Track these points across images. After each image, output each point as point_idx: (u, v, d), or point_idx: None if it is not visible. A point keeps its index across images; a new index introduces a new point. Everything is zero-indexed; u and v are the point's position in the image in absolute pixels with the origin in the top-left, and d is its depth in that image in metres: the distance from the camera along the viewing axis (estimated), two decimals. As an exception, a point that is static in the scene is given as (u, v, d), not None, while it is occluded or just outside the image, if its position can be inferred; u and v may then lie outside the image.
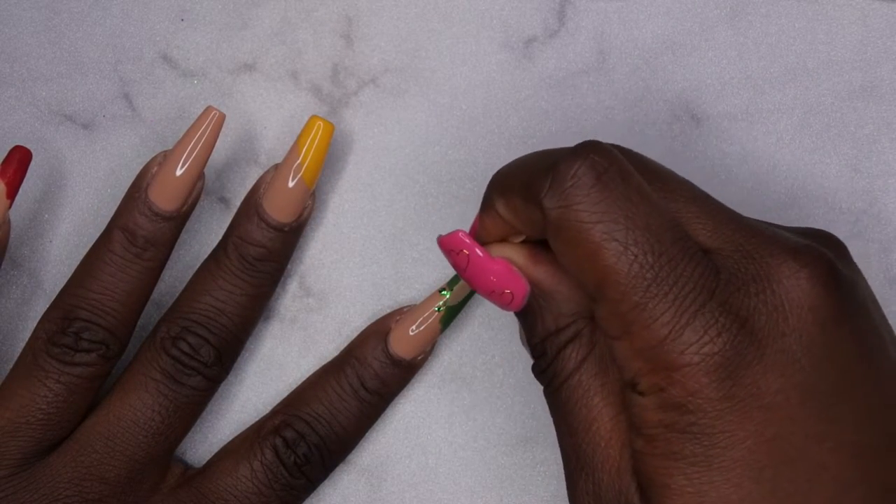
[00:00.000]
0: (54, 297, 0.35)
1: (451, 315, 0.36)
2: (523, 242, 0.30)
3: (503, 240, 0.30)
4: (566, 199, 0.26)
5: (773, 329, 0.25)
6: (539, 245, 0.29)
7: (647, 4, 0.39)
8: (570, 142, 0.38)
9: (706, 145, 0.38)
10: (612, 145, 0.28)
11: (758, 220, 0.28)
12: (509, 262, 0.29)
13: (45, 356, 0.34)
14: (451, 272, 0.37)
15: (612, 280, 0.26)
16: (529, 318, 0.29)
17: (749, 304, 0.26)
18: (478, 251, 0.29)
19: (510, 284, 0.29)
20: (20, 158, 0.34)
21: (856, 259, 0.38)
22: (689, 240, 0.26)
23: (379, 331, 0.36)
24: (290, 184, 0.35)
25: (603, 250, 0.26)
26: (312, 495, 0.37)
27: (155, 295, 0.37)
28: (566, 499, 0.37)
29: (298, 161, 0.35)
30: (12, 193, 0.34)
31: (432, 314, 0.36)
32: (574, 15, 0.39)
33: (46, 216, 0.38)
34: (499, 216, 0.29)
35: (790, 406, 0.25)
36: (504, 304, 0.29)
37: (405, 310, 0.36)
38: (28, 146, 0.36)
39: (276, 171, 0.35)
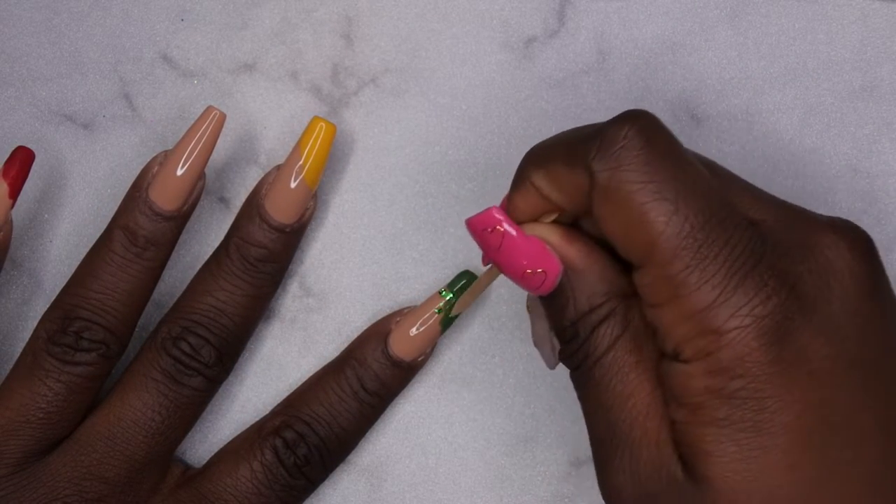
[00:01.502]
0: (54, 297, 0.35)
1: (451, 317, 0.36)
2: (554, 223, 0.29)
3: (534, 219, 0.29)
4: (616, 160, 0.26)
5: (820, 295, 0.26)
6: (570, 226, 0.29)
7: (647, 4, 0.39)
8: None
9: (706, 145, 0.38)
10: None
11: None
12: (542, 240, 0.28)
13: (46, 355, 0.34)
14: (451, 273, 0.37)
15: (662, 241, 0.26)
16: (559, 300, 0.29)
17: (796, 269, 0.26)
18: (512, 229, 0.28)
19: (544, 263, 0.28)
20: (23, 159, 0.34)
21: (856, 259, 0.38)
22: (735, 207, 0.26)
23: (379, 332, 0.36)
24: (292, 185, 0.35)
25: (654, 211, 0.26)
26: (312, 495, 0.37)
27: (156, 295, 0.37)
28: (566, 499, 0.37)
29: (300, 162, 0.35)
30: (15, 194, 0.34)
31: (432, 315, 0.36)
32: (574, 15, 0.39)
33: (46, 216, 0.38)
34: (534, 191, 0.28)
35: (836, 372, 0.25)
36: (535, 285, 0.29)
37: (405, 311, 0.36)
38: (28, 146, 0.36)
39: (277, 172, 0.35)
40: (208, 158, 0.34)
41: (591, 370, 0.28)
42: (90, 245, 0.35)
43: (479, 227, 0.29)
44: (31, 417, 0.34)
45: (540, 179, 0.28)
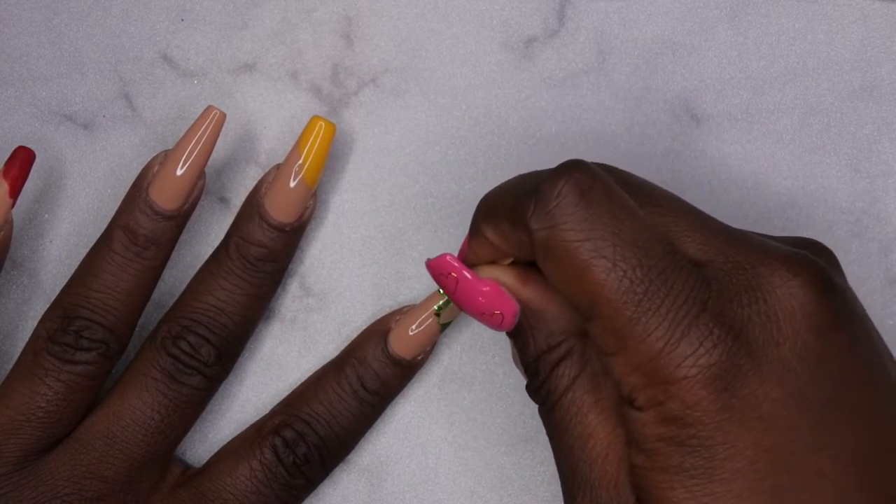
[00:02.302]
0: (54, 296, 0.35)
1: (450, 316, 0.36)
2: (511, 263, 0.30)
3: (492, 262, 0.30)
4: (551, 219, 0.26)
5: (768, 338, 0.25)
6: (527, 265, 0.29)
7: (647, 4, 0.39)
8: (570, 142, 0.38)
9: (706, 145, 0.38)
10: (595, 164, 0.28)
11: (747, 231, 0.28)
12: (498, 283, 0.29)
13: (46, 354, 0.34)
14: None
15: (602, 297, 0.26)
16: (520, 337, 0.29)
17: (742, 314, 0.25)
18: (466, 274, 0.29)
19: (500, 305, 0.29)
20: (23, 159, 0.35)
21: (856, 259, 0.38)
22: (678, 253, 0.26)
23: (379, 331, 0.36)
24: (292, 184, 0.35)
25: (592, 268, 0.26)
26: (312, 495, 0.37)
27: (156, 295, 0.37)
28: (566, 499, 0.37)
29: (300, 161, 0.35)
30: (15, 193, 0.35)
31: (432, 314, 0.36)
32: (574, 15, 0.39)
33: (46, 216, 0.38)
34: (487, 241, 0.29)
35: (788, 415, 0.25)
36: (494, 325, 0.29)
37: (405, 310, 0.36)
38: (28, 146, 0.37)
39: (277, 172, 0.35)
40: (208, 158, 0.35)
41: (553, 409, 0.29)
42: (90, 245, 0.35)
43: (435, 272, 0.30)
44: (31, 416, 0.34)
45: (489, 233, 0.29)
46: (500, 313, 0.29)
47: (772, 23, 0.39)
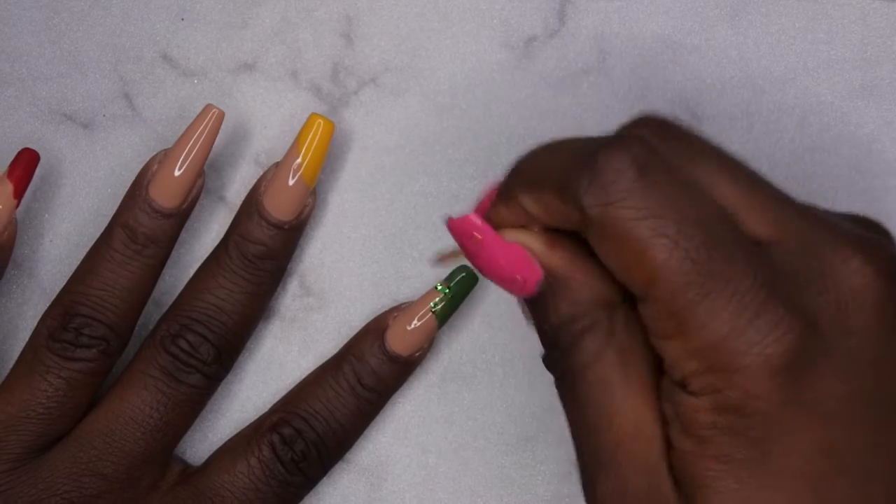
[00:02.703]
0: (54, 296, 0.35)
1: (447, 311, 0.36)
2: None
3: (520, 226, 0.28)
4: (609, 195, 0.24)
5: (839, 330, 0.24)
6: (555, 230, 0.27)
7: (647, 4, 0.39)
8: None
9: (706, 145, 0.38)
10: (659, 120, 0.26)
11: (814, 207, 0.26)
12: (524, 247, 0.27)
13: (46, 351, 0.34)
14: (450, 269, 0.37)
15: (663, 279, 0.24)
16: (542, 304, 0.27)
17: (814, 302, 0.24)
18: (491, 236, 0.27)
19: (523, 271, 0.27)
20: (28, 160, 0.35)
21: (856, 259, 0.38)
22: (743, 232, 0.25)
23: (376, 328, 0.36)
24: (291, 182, 0.35)
25: (652, 248, 0.24)
26: (312, 495, 0.37)
27: (156, 294, 0.37)
28: (567, 499, 0.37)
29: (298, 159, 0.35)
30: (19, 194, 0.35)
31: (429, 311, 0.36)
32: (574, 15, 0.39)
33: (46, 216, 0.38)
34: (521, 208, 0.27)
35: (851, 413, 0.24)
36: (515, 290, 0.28)
37: (402, 307, 0.36)
38: (28, 146, 0.37)
39: (276, 170, 0.35)
40: (207, 156, 0.35)
41: (574, 384, 0.27)
42: (90, 244, 0.36)
43: (457, 232, 0.28)
44: (31, 413, 0.34)
45: (528, 202, 0.27)
46: (523, 279, 0.27)
47: (772, 23, 0.39)
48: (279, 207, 0.35)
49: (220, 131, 0.35)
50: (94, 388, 0.35)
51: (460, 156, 0.38)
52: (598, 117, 0.38)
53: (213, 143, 0.35)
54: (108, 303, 0.34)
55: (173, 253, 0.37)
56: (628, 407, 0.26)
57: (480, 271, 0.28)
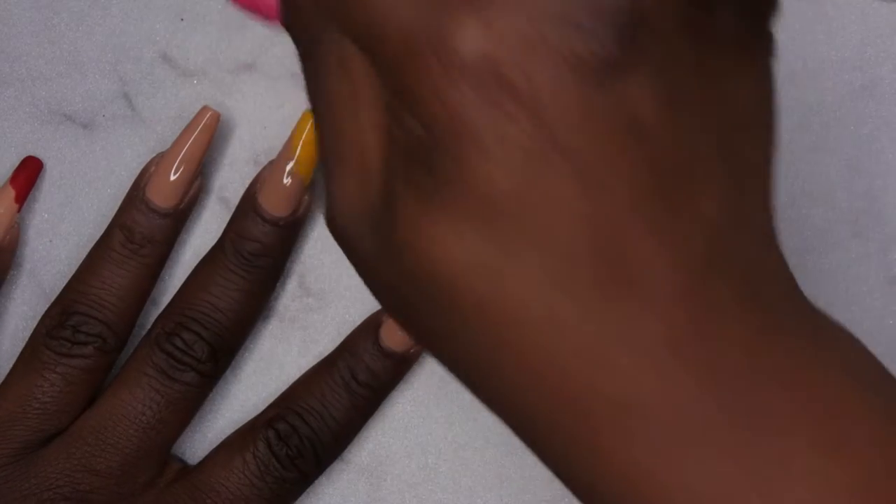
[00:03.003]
0: (54, 296, 0.36)
1: None
2: None
3: None
4: None
5: (523, 56, 0.18)
6: None
7: (647, 4, 0.39)
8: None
9: (706, 145, 0.38)
10: None
11: None
12: None
13: (44, 348, 0.34)
14: None
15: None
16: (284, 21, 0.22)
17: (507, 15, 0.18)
18: None
19: None
20: (31, 168, 0.37)
21: (856, 259, 0.38)
22: None
23: (371, 324, 0.36)
24: (286, 178, 0.35)
25: None
26: (311, 495, 0.37)
27: (156, 295, 0.37)
28: (566, 499, 0.37)
29: (293, 156, 0.35)
30: (21, 199, 0.36)
31: None
32: (574, 15, 0.39)
33: (46, 216, 0.38)
34: None
35: (531, 159, 0.18)
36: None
37: None
38: (28, 146, 0.37)
39: (271, 166, 0.36)
40: (203, 157, 0.35)
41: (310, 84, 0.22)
42: (90, 245, 0.36)
43: None
44: (28, 409, 0.34)
45: None
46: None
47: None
48: (274, 204, 0.35)
49: (220, 131, 0.35)
50: (91, 386, 0.35)
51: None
52: (598, 117, 0.38)
53: (209, 144, 0.35)
54: (106, 301, 0.35)
55: (173, 253, 0.37)
56: (352, 135, 0.21)
57: None
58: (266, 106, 0.39)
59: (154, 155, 0.36)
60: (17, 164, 0.37)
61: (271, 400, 0.37)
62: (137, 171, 0.36)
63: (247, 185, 0.38)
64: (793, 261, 0.38)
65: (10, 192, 0.36)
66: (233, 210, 0.38)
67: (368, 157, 0.21)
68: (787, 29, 0.38)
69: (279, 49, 0.39)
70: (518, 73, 0.18)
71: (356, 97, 0.20)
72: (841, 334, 0.22)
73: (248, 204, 0.36)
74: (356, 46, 0.20)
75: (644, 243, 0.19)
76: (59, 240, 0.38)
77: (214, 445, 0.37)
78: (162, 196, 0.35)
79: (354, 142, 0.21)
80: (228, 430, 0.37)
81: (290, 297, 0.38)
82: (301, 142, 0.35)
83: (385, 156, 0.20)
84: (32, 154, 0.38)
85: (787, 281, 0.21)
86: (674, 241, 0.19)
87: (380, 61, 0.19)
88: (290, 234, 0.36)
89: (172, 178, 0.35)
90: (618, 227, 0.19)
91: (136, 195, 0.35)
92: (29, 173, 0.37)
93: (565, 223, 0.19)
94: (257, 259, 0.35)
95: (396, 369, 0.36)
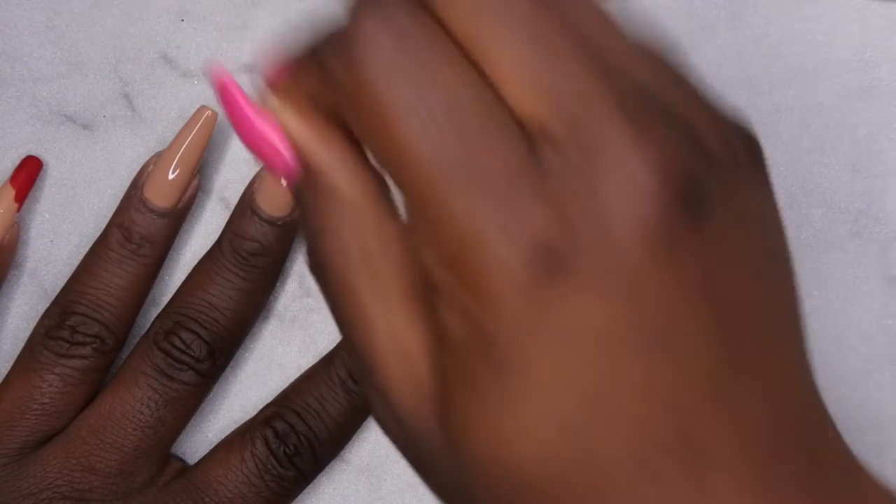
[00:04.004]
0: (54, 296, 0.36)
1: None
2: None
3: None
4: (355, 65, 0.21)
5: (602, 239, 0.19)
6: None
7: (647, 4, 0.39)
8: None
9: (706, 145, 0.38)
10: None
11: (654, 84, 0.21)
12: (280, 121, 0.23)
13: (42, 349, 0.35)
14: None
15: (411, 164, 0.20)
16: (295, 191, 0.24)
17: (576, 200, 0.19)
18: (241, 100, 0.23)
19: (273, 149, 0.23)
20: (30, 167, 0.37)
21: (855, 259, 0.38)
22: (505, 116, 0.20)
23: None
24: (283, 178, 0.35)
25: (401, 129, 0.20)
26: (311, 494, 0.37)
27: (155, 295, 0.37)
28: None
29: None
30: (21, 199, 0.36)
31: None
32: (574, 15, 0.39)
33: (47, 216, 0.38)
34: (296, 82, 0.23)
35: (606, 344, 0.20)
36: (269, 167, 0.24)
37: None
38: (28, 146, 0.37)
39: (269, 166, 0.36)
40: (201, 156, 0.35)
41: (327, 293, 0.23)
42: (90, 245, 0.36)
43: (216, 86, 0.24)
44: (26, 409, 0.34)
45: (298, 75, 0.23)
46: (272, 157, 0.23)
47: (772, 23, 0.39)
48: (272, 204, 0.35)
49: (220, 132, 0.35)
50: (90, 386, 0.35)
51: (460, 156, 0.38)
52: (598, 118, 0.38)
53: (206, 144, 0.35)
54: (104, 301, 0.35)
55: (172, 253, 0.37)
56: (386, 334, 0.22)
57: (238, 136, 0.24)
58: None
59: (154, 154, 0.36)
60: (17, 164, 0.37)
61: (271, 400, 0.37)
62: (137, 172, 0.36)
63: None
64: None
65: (10, 192, 0.36)
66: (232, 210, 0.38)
67: (412, 357, 0.22)
68: (787, 29, 0.38)
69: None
70: (586, 261, 0.19)
71: (385, 295, 0.22)
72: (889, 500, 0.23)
73: (246, 204, 0.36)
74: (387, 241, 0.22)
75: (718, 422, 0.20)
76: (60, 240, 0.38)
77: (214, 445, 0.37)
78: (160, 196, 0.35)
79: (391, 343, 0.22)
80: (228, 430, 0.37)
81: (290, 298, 0.38)
82: None
83: (432, 352, 0.22)
84: (33, 154, 0.38)
85: (841, 444, 0.23)
86: (745, 419, 0.20)
87: (431, 257, 0.21)
88: (288, 233, 0.36)
89: (170, 177, 0.35)
90: (695, 407, 0.20)
91: (133, 195, 0.36)
92: (29, 172, 0.37)
93: (645, 405, 0.20)
94: (255, 259, 0.36)
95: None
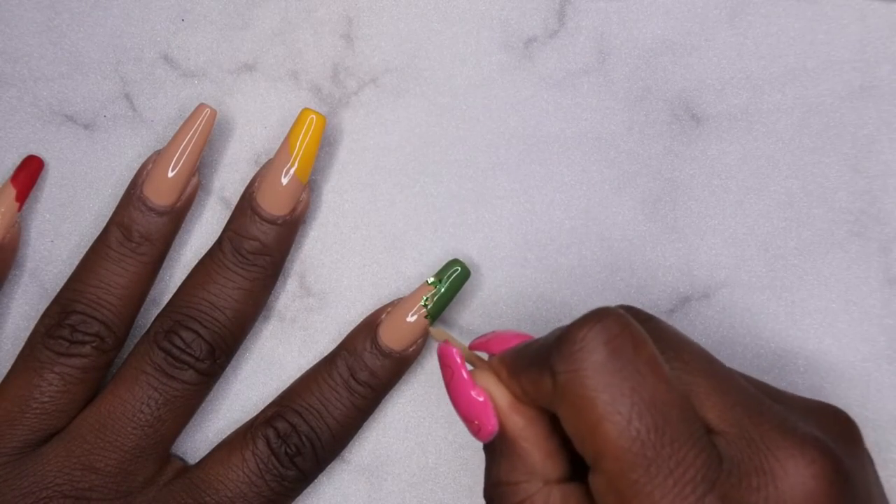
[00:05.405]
0: (55, 295, 0.36)
1: (438, 307, 0.36)
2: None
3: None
4: (574, 362, 0.25)
5: None
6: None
7: (647, 4, 0.39)
8: (571, 142, 0.38)
9: (706, 145, 0.38)
10: (629, 309, 0.27)
11: (767, 397, 0.27)
12: (490, 396, 0.28)
13: (42, 348, 0.35)
14: (442, 264, 0.37)
15: (611, 454, 0.25)
16: (490, 456, 0.29)
17: (750, 499, 0.24)
18: (463, 373, 0.29)
19: (481, 417, 0.28)
20: (32, 167, 0.37)
21: (856, 259, 0.38)
22: (696, 421, 0.25)
23: (369, 323, 0.36)
24: (283, 177, 0.35)
25: (605, 422, 0.25)
26: (312, 494, 0.37)
27: (156, 294, 0.37)
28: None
29: (291, 154, 0.35)
30: (22, 198, 0.37)
31: (421, 307, 0.36)
32: (574, 15, 0.39)
33: (47, 216, 0.38)
34: (513, 385, 0.28)
35: None
36: (472, 431, 0.29)
37: (395, 302, 0.37)
38: (29, 146, 0.37)
39: (269, 165, 0.36)
40: (200, 154, 0.35)
41: None
42: (90, 245, 0.36)
43: (440, 355, 0.29)
44: (26, 408, 0.34)
45: (513, 385, 0.28)
46: (479, 424, 0.28)
47: (772, 23, 0.39)
48: (272, 202, 0.35)
49: (220, 131, 0.35)
50: (90, 385, 0.35)
51: (460, 156, 0.38)
52: (598, 117, 0.38)
53: (206, 142, 0.35)
54: (104, 300, 0.35)
55: (173, 253, 0.37)
56: None
57: (449, 398, 0.29)
58: (266, 106, 0.39)
59: (152, 153, 0.36)
60: (18, 164, 0.37)
61: (271, 400, 0.37)
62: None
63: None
64: (793, 261, 0.38)
65: (12, 191, 0.36)
66: (232, 210, 0.38)
67: None
68: (787, 29, 0.39)
69: (279, 49, 0.39)
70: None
71: None
72: None
73: (247, 203, 0.36)
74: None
75: None
76: (61, 240, 0.38)
77: (215, 445, 0.37)
78: (159, 194, 0.35)
79: None
80: (228, 430, 0.37)
81: (290, 297, 0.38)
82: (298, 141, 0.35)
83: None
84: (34, 154, 0.38)
85: None
86: None
87: None
88: (288, 232, 0.36)
89: (169, 175, 0.35)
90: None
91: (133, 193, 0.36)
92: (30, 172, 0.37)
93: None
94: (256, 258, 0.36)
95: (395, 368, 0.36)
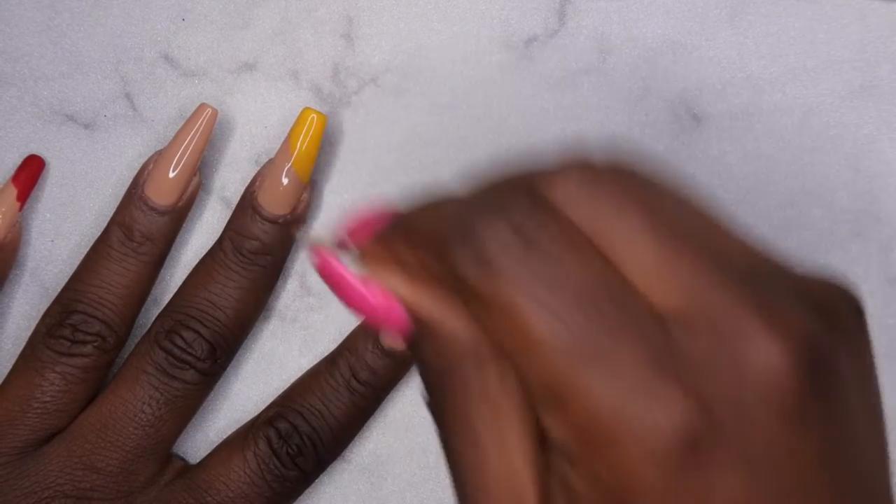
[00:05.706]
0: (56, 295, 0.36)
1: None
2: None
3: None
4: (489, 268, 0.22)
5: (738, 417, 0.21)
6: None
7: (648, 4, 0.39)
8: (571, 142, 0.38)
9: (706, 145, 0.38)
10: (589, 168, 0.23)
11: (762, 266, 0.23)
12: (390, 291, 0.24)
13: (43, 348, 0.35)
14: None
15: (541, 352, 0.22)
16: (415, 349, 0.25)
17: (712, 384, 0.21)
18: (352, 281, 0.24)
19: (386, 315, 0.24)
20: (33, 166, 0.37)
21: (856, 259, 0.38)
22: (640, 306, 0.22)
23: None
24: (284, 176, 0.35)
25: (531, 321, 0.22)
26: (312, 494, 0.37)
27: (157, 294, 0.37)
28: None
29: (292, 154, 0.35)
30: (23, 198, 0.37)
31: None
32: (574, 15, 0.39)
33: (48, 216, 0.38)
34: (397, 255, 0.24)
35: None
36: (391, 336, 0.25)
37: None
38: (30, 146, 0.37)
39: (270, 165, 0.36)
40: (201, 154, 0.35)
41: (447, 438, 0.25)
42: (91, 244, 0.36)
43: (319, 268, 0.25)
44: (27, 408, 0.34)
45: (406, 255, 0.24)
46: (386, 323, 0.24)
47: (772, 23, 0.39)
48: (273, 202, 0.35)
49: (221, 131, 0.36)
50: (91, 385, 0.35)
51: (460, 156, 0.38)
52: (598, 117, 0.38)
53: (207, 142, 0.35)
54: (105, 300, 0.35)
55: (174, 253, 0.37)
56: (502, 473, 0.23)
57: (346, 307, 0.25)
58: (266, 106, 0.39)
59: (153, 153, 0.36)
60: (19, 164, 0.37)
61: (272, 399, 0.37)
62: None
63: (248, 185, 0.38)
64: (793, 261, 0.38)
65: (13, 191, 0.36)
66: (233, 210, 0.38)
67: (525, 499, 0.23)
68: (787, 29, 0.39)
69: (280, 49, 0.39)
70: (725, 440, 0.21)
71: (503, 435, 0.23)
72: None
73: (248, 202, 0.36)
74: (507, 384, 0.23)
75: None
76: (61, 240, 0.38)
77: (215, 445, 0.37)
78: (160, 194, 0.35)
79: (505, 482, 0.23)
80: (229, 430, 0.37)
81: (290, 297, 0.38)
82: (299, 140, 0.35)
83: (543, 492, 0.23)
84: (35, 154, 0.38)
85: None
86: None
87: (557, 426, 0.22)
88: (289, 232, 0.36)
89: (171, 175, 0.35)
90: None
91: (134, 193, 0.36)
92: (31, 172, 0.37)
93: None
94: (257, 257, 0.36)
95: (397, 368, 0.36)
